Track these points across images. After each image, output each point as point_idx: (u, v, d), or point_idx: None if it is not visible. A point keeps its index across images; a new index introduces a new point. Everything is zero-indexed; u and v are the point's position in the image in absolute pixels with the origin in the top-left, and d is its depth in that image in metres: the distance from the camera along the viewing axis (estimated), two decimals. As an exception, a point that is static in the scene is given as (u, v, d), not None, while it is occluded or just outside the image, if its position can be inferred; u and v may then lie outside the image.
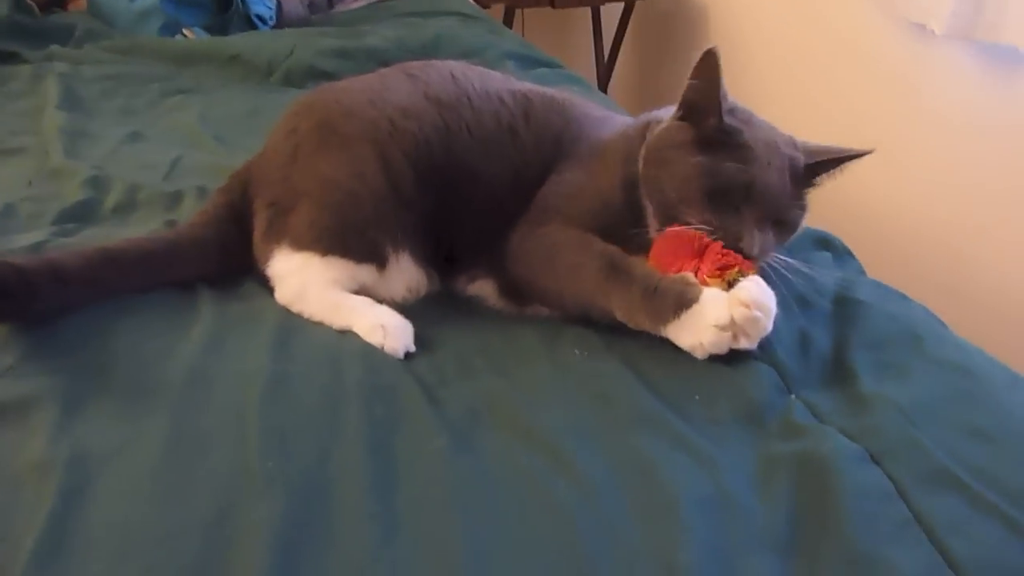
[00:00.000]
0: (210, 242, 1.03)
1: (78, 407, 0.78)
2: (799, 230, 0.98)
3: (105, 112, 1.56)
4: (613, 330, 0.93)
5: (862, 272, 1.13)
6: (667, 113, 1.00)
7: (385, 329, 0.91)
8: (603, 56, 2.94)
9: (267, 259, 1.01)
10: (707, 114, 0.93)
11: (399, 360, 0.89)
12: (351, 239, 0.98)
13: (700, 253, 0.90)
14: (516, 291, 1.00)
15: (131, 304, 0.94)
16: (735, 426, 0.81)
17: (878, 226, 2.03)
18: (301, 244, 0.99)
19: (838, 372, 0.88)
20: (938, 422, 0.79)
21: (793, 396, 0.86)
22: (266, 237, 1.02)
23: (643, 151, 0.97)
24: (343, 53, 1.78)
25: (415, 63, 1.16)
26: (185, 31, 1.94)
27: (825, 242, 1.15)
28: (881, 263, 1.21)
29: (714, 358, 0.87)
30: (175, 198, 1.19)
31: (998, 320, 1.82)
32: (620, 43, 2.89)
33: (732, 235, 0.90)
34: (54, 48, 1.79)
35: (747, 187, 0.91)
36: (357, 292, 0.99)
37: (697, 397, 0.84)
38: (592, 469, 0.73)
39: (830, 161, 0.96)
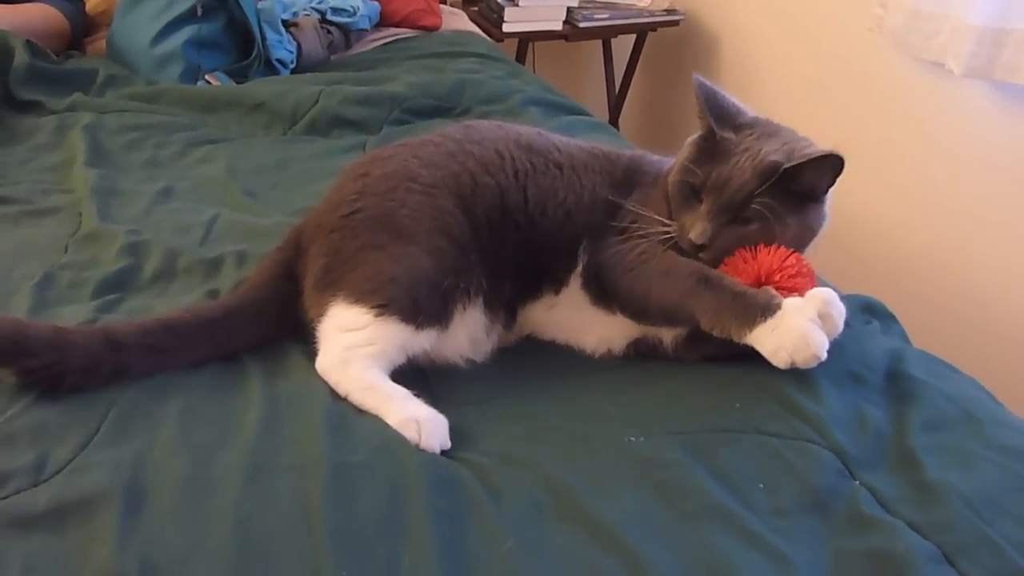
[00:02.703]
0: (268, 303, 1.03)
1: (139, 507, 0.77)
2: (781, 230, 0.98)
3: (132, 166, 1.55)
4: (662, 407, 0.93)
5: (906, 338, 1.13)
6: None
7: (420, 424, 0.88)
8: (614, 87, 2.95)
9: (319, 312, 0.99)
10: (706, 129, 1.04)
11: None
12: (421, 292, 0.97)
13: (760, 278, 0.97)
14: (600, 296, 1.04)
15: (176, 385, 0.93)
16: (803, 516, 0.81)
17: (896, 263, 2.04)
18: (359, 296, 0.96)
19: (900, 456, 0.88)
20: (1006, 516, 0.79)
21: (857, 482, 0.85)
22: (319, 286, 1.00)
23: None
24: (368, 100, 1.77)
25: (470, 123, 1.20)
26: (207, 77, 1.93)
27: (869, 307, 1.15)
28: (903, 300, 1.22)
29: (774, 440, 0.87)
30: (215, 265, 1.18)
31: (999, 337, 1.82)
32: (632, 74, 2.89)
33: (685, 228, 1.00)
34: (77, 97, 1.78)
35: (700, 185, 1.00)
36: (406, 362, 0.98)
37: (761, 485, 0.84)
38: (667, 570, 0.73)
39: (800, 164, 0.97)
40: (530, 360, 1.05)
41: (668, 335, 1.04)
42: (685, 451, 0.86)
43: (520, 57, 2.65)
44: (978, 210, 1.91)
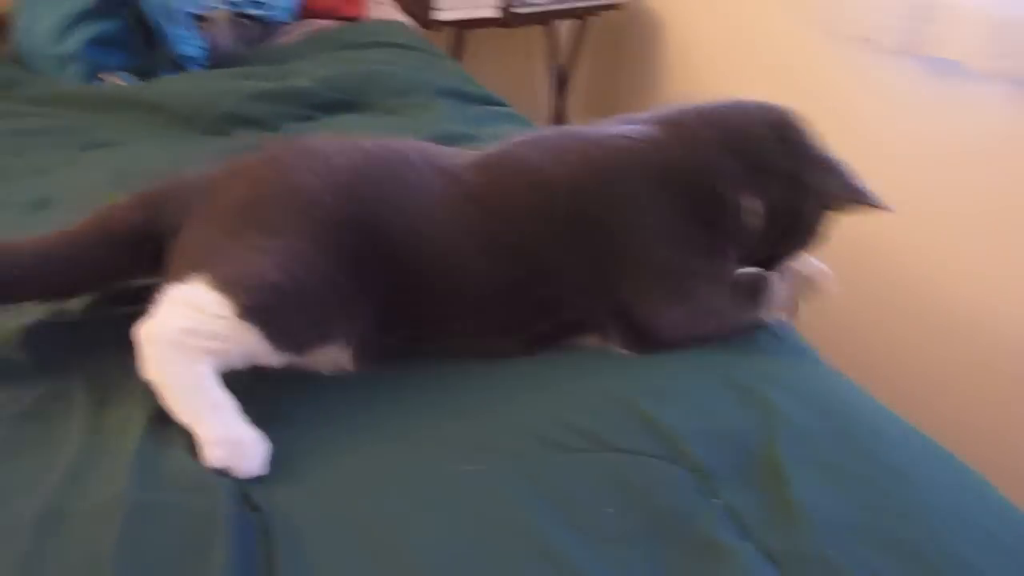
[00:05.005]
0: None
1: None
2: None
3: (14, 172, 1.47)
4: (504, 428, 0.86)
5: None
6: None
7: (241, 446, 0.80)
8: (558, 76, 2.86)
9: (176, 278, 0.87)
10: None
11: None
12: (300, 313, 0.88)
13: None
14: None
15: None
16: (646, 542, 0.73)
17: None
18: (229, 286, 0.85)
19: (767, 471, 0.80)
20: (868, 540, 0.72)
21: (716, 501, 0.78)
22: (187, 263, 0.89)
23: None
24: (269, 97, 1.69)
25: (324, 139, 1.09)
26: (111, 76, 1.85)
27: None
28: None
29: (623, 458, 0.82)
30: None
31: (929, 327, 1.77)
32: (575, 62, 2.81)
33: None
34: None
35: None
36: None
37: (611, 510, 0.77)
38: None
39: None
40: (375, 380, 0.94)
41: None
42: (523, 479, 0.79)
43: (457, 49, 2.56)
44: (902, 184, 1.85)
